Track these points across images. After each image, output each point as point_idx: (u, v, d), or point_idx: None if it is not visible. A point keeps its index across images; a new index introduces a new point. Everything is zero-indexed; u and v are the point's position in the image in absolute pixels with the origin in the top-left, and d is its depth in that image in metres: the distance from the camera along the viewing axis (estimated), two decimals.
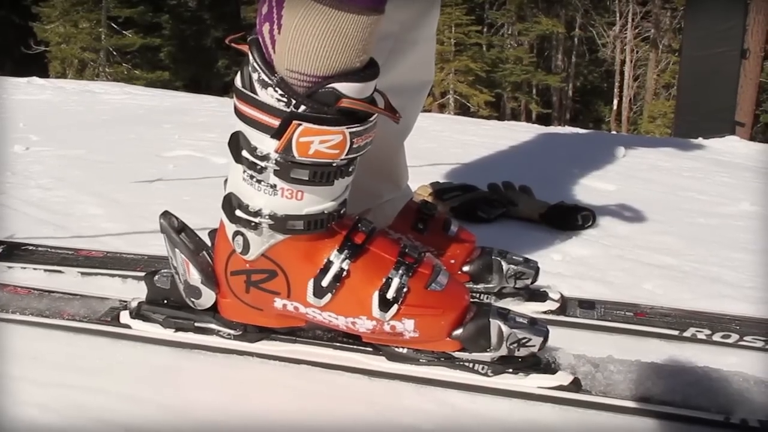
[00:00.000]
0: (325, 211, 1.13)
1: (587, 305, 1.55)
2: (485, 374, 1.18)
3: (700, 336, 1.43)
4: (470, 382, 1.18)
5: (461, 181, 2.45)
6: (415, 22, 1.49)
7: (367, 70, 1.06)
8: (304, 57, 1.01)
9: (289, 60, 1.02)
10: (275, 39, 1.03)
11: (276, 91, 1.03)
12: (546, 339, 1.16)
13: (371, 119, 1.08)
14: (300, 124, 1.02)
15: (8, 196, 2.37)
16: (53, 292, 1.43)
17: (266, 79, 1.04)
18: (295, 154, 1.04)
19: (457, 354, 1.19)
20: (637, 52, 27.79)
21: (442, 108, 25.10)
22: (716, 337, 1.43)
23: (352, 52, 1.02)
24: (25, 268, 1.64)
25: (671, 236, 2.21)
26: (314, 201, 1.11)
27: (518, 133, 4.81)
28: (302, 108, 1.03)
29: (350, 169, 1.12)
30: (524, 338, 1.15)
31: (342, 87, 1.02)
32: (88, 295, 1.42)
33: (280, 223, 1.11)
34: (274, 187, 1.09)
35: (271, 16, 1.03)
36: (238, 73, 1.09)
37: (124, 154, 3.32)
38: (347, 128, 1.04)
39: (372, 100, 1.08)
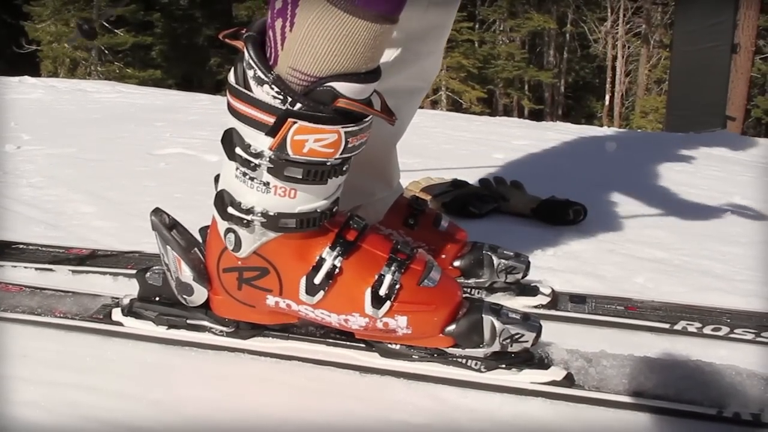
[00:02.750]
0: (318, 210, 1.13)
1: (578, 299, 1.55)
2: (478, 370, 1.18)
3: (691, 329, 1.44)
4: (462, 378, 1.18)
5: (453, 177, 2.46)
6: (423, 35, 1.49)
7: (369, 73, 1.05)
8: (311, 58, 1.00)
9: (296, 58, 1.01)
10: (286, 36, 1.02)
11: (272, 89, 1.02)
12: (539, 334, 1.17)
13: (367, 119, 1.07)
14: (295, 122, 1.02)
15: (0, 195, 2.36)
16: (45, 289, 1.43)
17: (262, 76, 1.03)
18: (290, 152, 1.04)
19: (450, 350, 1.19)
20: (629, 47, 27.83)
21: (434, 104, 25.08)
22: (707, 330, 1.44)
23: (360, 59, 1.02)
24: (15, 266, 1.63)
25: (662, 230, 2.22)
26: (307, 199, 1.11)
27: (509, 128, 4.82)
28: (298, 106, 1.02)
29: (344, 169, 1.12)
30: (517, 334, 1.15)
31: (340, 87, 1.02)
32: (80, 292, 1.42)
33: (272, 221, 1.11)
34: (267, 184, 1.09)
35: (285, 12, 1.01)
36: (232, 70, 1.08)
37: (116, 153, 3.32)
38: (342, 127, 1.04)
39: (369, 102, 1.07)
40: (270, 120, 1.03)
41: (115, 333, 1.30)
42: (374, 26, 0.99)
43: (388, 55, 1.39)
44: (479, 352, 1.18)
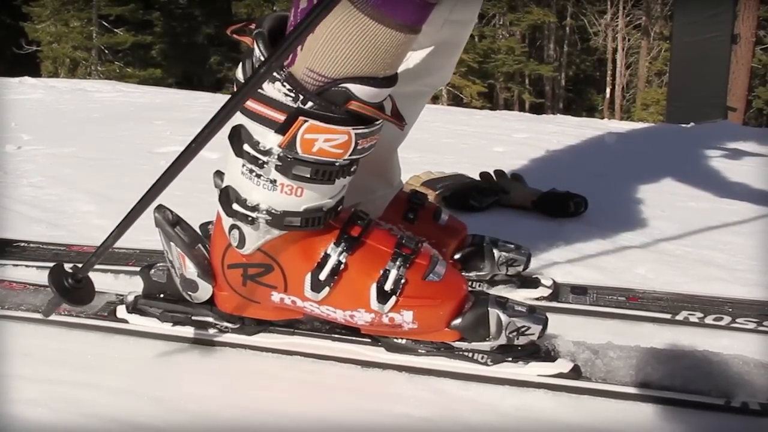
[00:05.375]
0: (324, 209, 1.13)
1: (579, 291, 1.56)
2: (485, 363, 1.19)
3: (693, 319, 1.44)
4: (465, 371, 1.19)
5: (453, 171, 2.46)
6: (436, 50, 1.48)
7: (386, 78, 1.04)
8: (331, 60, 0.99)
9: (315, 60, 1.00)
10: (307, 36, 1.00)
11: (284, 86, 1.01)
12: (545, 327, 1.17)
13: (378, 122, 1.07)
14: (306, 121, 1.01)
15: (0, 196, 2.37)
16: (49, 287, 1.43)
17: (274, 73, 1.01)
18: (299, 150, 1.03)
19: (456, 344, 1.19)
20: (629, 40, 27.77)
21: (435, 100, 25.00)
22: (708, 320, 1.44)
23: (380, 65, 1.01)
24: (17, 265, 1.64)
25: (663, 221, 2.22)
26: (313, 198, 1.11)
27: (510, 122, 4.82)
28: (309, 104, 1.01)
29: (352, 169, 1.12)
30: (523, 327, 1.15)
31: (355, 89, 1.01)
32: None
33: (277, 219, 1.11)
34: (273, 182, 1.08)
35: None
36: (239, 67, 1.07)
37: (116, 151, 3.32)
38: (353, 129, 1.03)
39: (380, 106, 1.07)
40: (280, 117, 1.02)
41: (117, 330, 1.31)
42: (398, 35, 0.98)
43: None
44: (485, 345, 1.18)
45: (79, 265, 1.16)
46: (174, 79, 24.57)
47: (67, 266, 1.18)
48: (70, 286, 1.16)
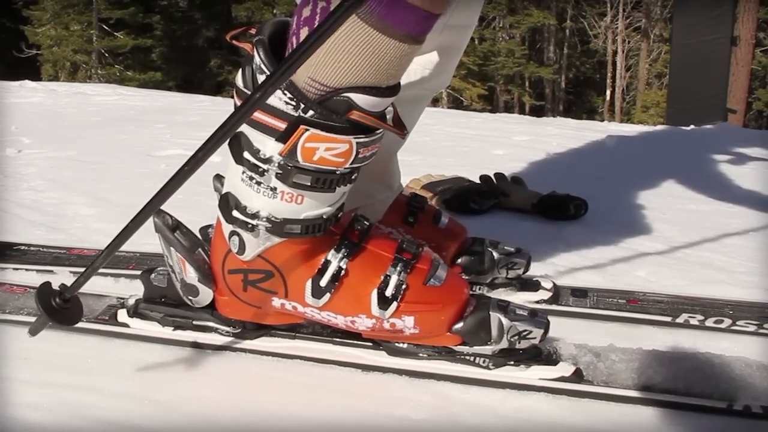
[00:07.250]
0: (324, 216, 1.12)
1: (580, 293, 1.55)
2: (486, 367, 1.19)
3: (693, 322, 1.44)
4: (465, 374, 1.19)
5: (453, 174, 2.46)
6: (436, 55, 1.49)
7: (388, 87, 1.03)
8: (333, 70, 0.99)
9: (317, 69, 0.99)
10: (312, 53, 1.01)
11: (285, 94, 1.00)
12: (547, 330, 1.17)
13: (378, 131, 1.06)
14: (307, 129, 1.00)
15: (1, 199, 2.37)
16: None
17: None
18: (300, 159, 1.02)
19: (458, 348, 1.19)
20: (629, 42, 27.78)
21: (435, 102, 24.95)
22: (709, 323, 1.43)
23: (383, 75, 1.00)
24: (17, 269, 1.63)
25: (663, 223, 2.22)
26: (313, 206, 1.10)
27: (509, 124, 4.82)
28: (310, 113, 1.00)
29: (353, 178, 1.12)
30: (525, 330, 1.15)
31: (357, 98, 1.00)
32: (85, 293, 1.41)
33: (277, 226, 1.11)
34: (274, 190, 1.08)
35: (312, 22, 1.00)
36: (239, 73, 1.07)
37: (116, 155, 3.32)
38: (354, 138, 1.03)
39: (382, 115, 1.06)
40: (281, 125, 1.02)
41: (117, 334, 1.30)
42: (402, 45, 0.98)
43: None
44: (487, 349, 1.18)
45: (68, 284, 1.15)
46: (174, 82, 24.61)
47: (55, 285, 1.16)
48: (58, 306, 1.13)
